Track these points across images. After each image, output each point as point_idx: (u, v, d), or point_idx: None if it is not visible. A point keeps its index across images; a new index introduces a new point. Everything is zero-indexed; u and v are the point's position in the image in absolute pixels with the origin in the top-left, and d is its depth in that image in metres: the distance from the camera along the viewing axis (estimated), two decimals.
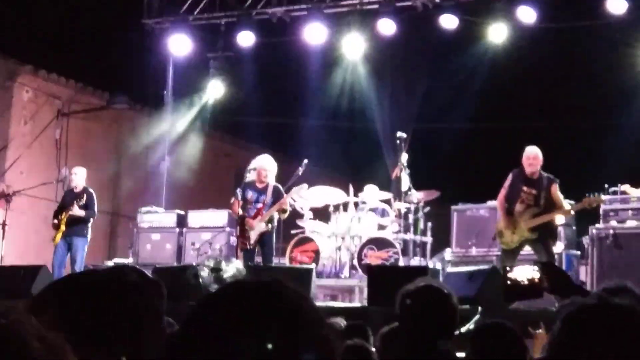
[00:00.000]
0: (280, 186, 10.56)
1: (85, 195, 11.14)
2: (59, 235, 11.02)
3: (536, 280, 3.15)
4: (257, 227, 10.36)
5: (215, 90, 14.88)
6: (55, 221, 11.10)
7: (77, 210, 10.97)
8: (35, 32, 15.08)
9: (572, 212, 9.57)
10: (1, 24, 14.70)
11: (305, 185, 10.64)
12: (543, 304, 6.92)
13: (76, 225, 11.05)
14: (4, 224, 11.72)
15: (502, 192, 9.83)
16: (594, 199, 9.40)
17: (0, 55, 14.79)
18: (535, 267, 3.20)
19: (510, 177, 9.79)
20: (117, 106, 16.10)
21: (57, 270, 10.77)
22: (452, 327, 3.06)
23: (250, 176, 10.66)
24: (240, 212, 10.49)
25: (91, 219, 11.23)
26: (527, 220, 9.45)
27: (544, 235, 9.47)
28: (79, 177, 11.38)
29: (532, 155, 9.60)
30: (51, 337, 1.18)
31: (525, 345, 3.94)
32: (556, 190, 9.49)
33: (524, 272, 3.21)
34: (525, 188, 9.54)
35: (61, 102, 15.66)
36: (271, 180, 10.58)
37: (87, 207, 11.11)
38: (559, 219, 10.33)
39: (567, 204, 9.68)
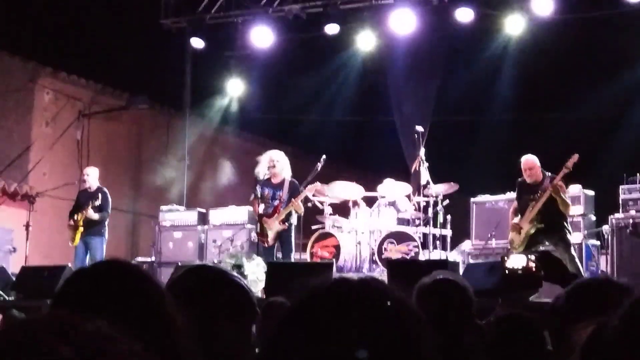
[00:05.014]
0: (296, 181, 10.63)
1: (99, 195, 11.24)
2: (78, 236, 11.14)
3: (532, 269, 3.22)
4: (274, 226, 10.48)
5: (235, 88, 14.98)
6: (72, 222, 11.22)
7: (91, 214, 11.11)
8: (55, 34, 15.17)
9: (560, 184, 9.52)
10: (21, 27, 14.82)
11: (318, 184, 10.72)
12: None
13: (93, 226, 11.18)
14: (27, 225, 11.81)
15: (514, 205, 10.09)
16: (570, 161, 9.46)
17: (20, 57, 14.88)
18: (532, 257, 3.27)
19: (517, 189, 10.02)
20: (137, 106, 16.20)
21: None
22: (468, 319, 3.11)
23: (266, 173, 10.73)
24: (260, 210, 10.62)
25: (107, 219, 11.37)
26: (527, 216, 9.60)
27: (549, 224, 9.51)
28: (92, 178, 11.51)
29: (527, 166, 9.75)
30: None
31: (544, 336, 3.98)
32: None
33: (520, 261, 3.28)
34: (530, 196, 9.69)
35: (82, 104, 15.75)
36: (287, 175, 10.64)
37: (101, 206, 11.23)
38: (575, 210, 10.34)
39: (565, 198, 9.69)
